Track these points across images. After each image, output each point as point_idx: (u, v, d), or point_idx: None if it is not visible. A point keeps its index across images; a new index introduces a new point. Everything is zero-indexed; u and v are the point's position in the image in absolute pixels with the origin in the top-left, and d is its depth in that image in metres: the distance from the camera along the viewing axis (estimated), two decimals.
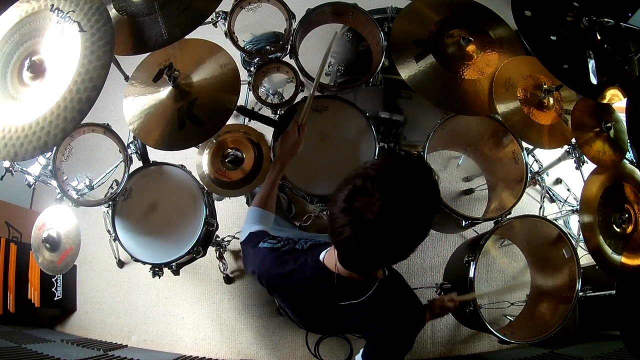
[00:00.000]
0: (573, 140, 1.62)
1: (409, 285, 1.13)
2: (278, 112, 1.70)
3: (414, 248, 0.82)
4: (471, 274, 1.53)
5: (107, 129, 1.61)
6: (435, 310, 1.30)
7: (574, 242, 1.64)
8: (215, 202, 1.78)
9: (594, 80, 1.43)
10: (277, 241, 1.04)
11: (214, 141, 1.64)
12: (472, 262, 1.54)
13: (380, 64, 1.62)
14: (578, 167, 1.78)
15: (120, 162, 1.66)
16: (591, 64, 1.44)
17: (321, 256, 1.00)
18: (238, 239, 2.13)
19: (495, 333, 1.51)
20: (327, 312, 1.02)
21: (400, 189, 0.76)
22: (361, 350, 1.04)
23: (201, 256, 1.71)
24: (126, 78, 1.76)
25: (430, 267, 2.23)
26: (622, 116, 1.51)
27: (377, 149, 1.59)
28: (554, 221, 1.61)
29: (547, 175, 2.31)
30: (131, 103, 1.47)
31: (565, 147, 1.78)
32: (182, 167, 1.67)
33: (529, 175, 1.67)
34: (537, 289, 1.84)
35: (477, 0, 1.71)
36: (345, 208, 0.77)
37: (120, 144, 1.62)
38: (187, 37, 1.36)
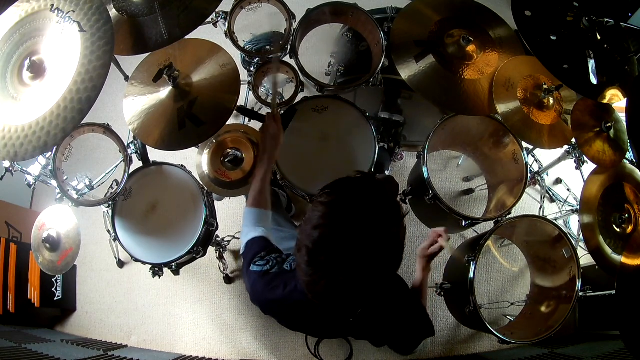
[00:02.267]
0: (573, 140, 1.62)
1: (407, 284, 1.14)
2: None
3: (397, 267, 0.79)
4: (471, 274, 1.53)
5: (107, 129, 1.61)
6: (426, 258, 1.28)
7: (574, 242, 1.64)
8: (215, 202, 1.78)
9: (594, 80, 1.43)
10: (265, 262, 1.02)
11: (214, 141, 1.64)
12: (472, 262, 1.54)
13: (380, 64, 1.62)
14: (578, 167, 1.78)
15: (120, 162, 1.66)
16: (591, 64, 1.44)
17: None
18: (238, 239, 2.14)
19: (495, 333, 1.51)
20: (324, 327, 1.04)
21: (357, 238, 0.72)
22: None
23: (201, 256, 1.71)
24: (126, 78, 1.76)
25: (430, 267, 2.22)
26: (622, 116, 1.51)
27: (377, 149, 1.59)
28: (554, 221, 1.61)
29: (547, 175, 2.31)
30: (131, 103, 1.47)
31: (565, 147, 1.78)
32: (182, 167, 1.67)
33: (529, 175, 1.66)
34: (537, 289, 1.84)
35: (477, 0, 1.71)
36: (312, 273, 0.75)
37: (120, 144, 1.62)
38: (187, 37, 1.36)
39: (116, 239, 1.61)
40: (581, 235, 1.58)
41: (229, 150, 1.64)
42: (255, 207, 1.18)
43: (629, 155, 1.67)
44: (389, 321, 1.04)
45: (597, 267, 1.56)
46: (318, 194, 0.79)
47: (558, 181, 2.41)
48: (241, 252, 1.12)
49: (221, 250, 2.02)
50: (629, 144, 1.60)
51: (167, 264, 1.61)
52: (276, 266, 1.01)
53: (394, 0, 1.82)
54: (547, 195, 2.27)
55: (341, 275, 0.73)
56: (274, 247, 1.08)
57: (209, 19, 1.47)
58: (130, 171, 1.62)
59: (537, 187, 2.23)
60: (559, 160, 1.92)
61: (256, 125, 1.60)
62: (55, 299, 2.14)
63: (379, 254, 0.74)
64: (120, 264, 2.27)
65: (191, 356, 2.09)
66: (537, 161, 2.16)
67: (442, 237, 1.22)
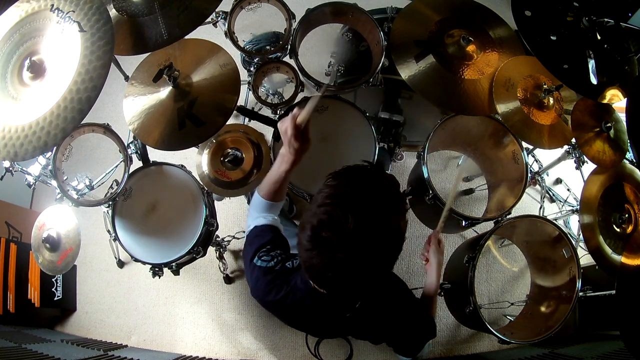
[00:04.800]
0: (573, 140, 1.62)
1: (404, 282, 1.14)
2: (278, 112, 1.70)
3: (395, 258, 0.81)
4: (471, 274, 1.53)
5: (107, 129, 1.61)
6: (440, 259, 1.31)
7: (574, 242, 1.64)
8: (215, 202, 1.78)
9: (594, 80, 1.43)
10: (270, 258, 1.02)
11: (214, 141, 1.64)
12: (472, 262, 1.54)
13: (380, 64, 1.62)
14: (578, 167, 1.78)
15: (120, 162, 1.66)
16: (591, 64, 1.44)
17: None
18: (238, 238, 2.13)
19: (495, 333, 1.51)
20: (324, 324, 1.05)
21: (360, 220, 0.74)
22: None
23: (201, 256, 1.71)
24: (126, 78, 1.76)
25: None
26: (622, 116, 1.51)
27: (377, 149, 1.59)
28: (554, 221, 1.61)
29: (547, 175, 2.31)
30: (131, 103, 1.47)
31: (565, 147, 1.78)
32: (182, 167, 1.67)
33: (529, 175, 1.66)
34: (537, 289, 1.84)
35: (477, 0, 1.71)
36: (312, 248, 0.76)
37: (120, 144, 1.62)
38: (187, 37, 1.36)
39: (116, 239, 1.61)
40: (581, 235, 1.58)
41: (229, 150, 1.64)
42: (269, 200, 1.11)
43: (629, 155, 1.66)
44: (388, 320, 1.04)
45: (597, 267, 1.55)
46: (326, 178, 0.82)
47: (558, 181, 2.40)
48: (246, 234, 1.10)
49: (221, 250, 2.02)
50: (629, 144, 1.60)
51: (167, 264, 1.61)
52: (280, 263, 1.01)
53: (394, 0, 1.82)
54: (547, 195, 2.27)
55: (340, 253, 0.74)
56: (281, 239, 1.08)
57: (208, 19, 1.48)
58: (130, 171, 1.62)
59: (537, 187, 2.23)
60: (559, 160, 1.92)
61: (256, 125, 1.60)
62: (55, 299, 2.14)
63: (379, 239, 0.76)
64: (120, 264, 2.27)
65: (191, 356, 2.09)
66: (537, 161, 2.15)
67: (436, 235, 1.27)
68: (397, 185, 0.83)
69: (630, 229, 1.61)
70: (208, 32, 1.54)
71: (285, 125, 0.97)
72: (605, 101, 1.47)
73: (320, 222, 0.75)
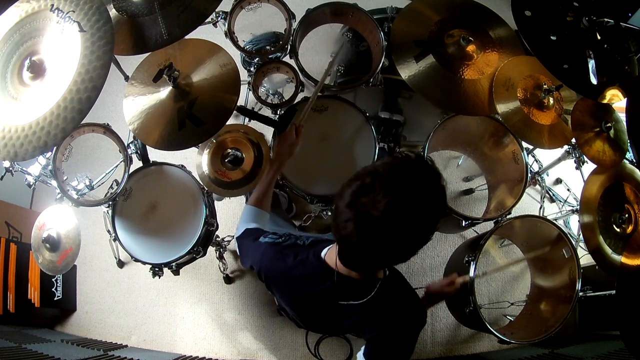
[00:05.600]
0: (573, 140, 1.62)
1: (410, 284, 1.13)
2: (278, 112, 1.70)
3: (415, 251, 0.81)
4: (471, 274, 1.53)
5: (107, 129, 1.61)
6: (434, 298, 1.30)
7: (574, 242, 1.64)
8: (215, 202, 1.78)
9: (594, 80, 1.43)
10: (278, 236, 1.04)
11: (214, 141, 1.64)
12: (472, 262, 1.54)
13: (380, 64, 1.62)
14: (578, 167, 1.78)
15: (120, 162, 1.66)
16: (591, 64, 1.44)
17: (323, 253, 1.00)
18: None
19: (495, 333, 1.51)
20: (326, 310, 1.02)
21: (406, 190, 0.76)
22: (362, 348, 1.04)
23: (201, 256, 1.71)
24: (126, 78, 1.76)
25: (430, 267, 2.23)
26: (622, 116, 1.51)
27: (377, 149, 1.59)
28: (554, 221, 1.61)
29: (547, 175, 2.31)
30: (131, 103, 1.47)
31: (565, 147, 1.78)
32: (182, 167, 1.67)
33: (529, 175, 1.67)
34: (537, 289, 1.84)
35: (477, 0, 1.71)
36: (350, 203, 0.77)
37: (120, 144, 1.62)
38: (187, 37, 1.36)
39: (116, 239, 1.61)
40: (581, 235, 1.59)
41: (229, 150, 1.64)
42: (256, 207, 1.22)
43: (629, 155, 1.66)
44: (386, 311, 1.00)
45: (597, 267, 1.55)
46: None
47: (558, 181, 2.40)
48: (236, 236, 1.15)
49: (221, 250, 2.02)
50: (629, 144, 1.60)
51: (167, 264, 1.61)
52: (289, 240, 1.02)
53: (394, 0, 1.82)
54: (547, 195, 2.27)
55: (379, 216, 0.74)
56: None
57: (208, 19, 1.47)
58: (130, 171, 1.62)
59: (537, 187, 2.23)
60: (559, 160, 1.92)
61: (256, 125, 1.60)
62: (55, 299, 2.14)
63: (415, 220, 0.77)
64: (120, 264, 2.27)
65: (191, 356, 2.09)
66: (537, 161, 2.15)
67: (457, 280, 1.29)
68: (444, 189, 0.83)
69: (630, 229, 1.61)
70: (208, 32, 1.54)
71: (292, 138, 1.09)
72: (605, 101, 1.47)
73: (360, 188, 0.76)
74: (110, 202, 1.60)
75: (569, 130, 1.58)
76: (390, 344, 0.97)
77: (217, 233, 1.81)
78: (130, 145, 1.76)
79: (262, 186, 1.26)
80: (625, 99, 1.45)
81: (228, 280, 2.21)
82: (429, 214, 0.78)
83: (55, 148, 1.51)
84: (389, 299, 0.98)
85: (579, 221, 1.62)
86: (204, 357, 2.09)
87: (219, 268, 2.13)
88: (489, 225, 1.66)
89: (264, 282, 1.08)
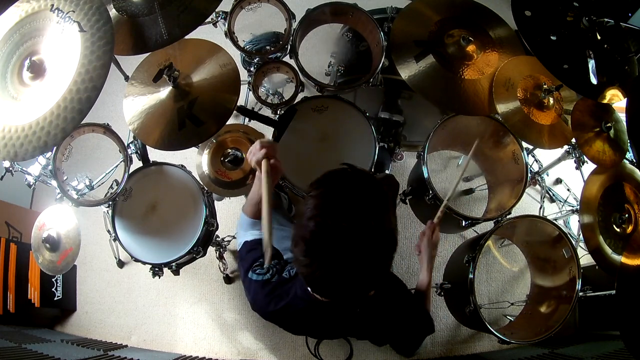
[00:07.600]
0: (573, 140, 1.62)
1: (405, 284, 1.14)
2: (278, 112, 1.70)
3: (393, 252, 0.80)
4: (471, 274, 1.53)
5: (107, 129, 1.61)
6: (429, 253, 1.30)
7: (574, 242, 1.64)
8: (215, 202, 1.78)
9: (594, 80, 1.43)
10: (265, 270, 1.02)
11: (214, 141, 1.64)
12: (472, 262, 1.54)
13: (380, 64, 1.62)
14: (578, 167, 1.78)
15: (120, 162, 1.66)
16: (591, 64, 1.44)
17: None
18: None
19: (495, 333, 1.51)
20: (327, 329, 1.06)
21: (352, 225, 0.74)
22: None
23: (201, 256, 1.71)
24: (126, 78, 1.76)
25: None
26: (622, 116, 1.51)
27: (377, 149, 1.59)
28: (554, 221, 1.61)
29: (547, 175, 2.31)
30: (131, 103, 1.47)
31: (565, 147, 1.78)
32: (182, 167, 1.67)
33: (529, 175, 1.66)
34: (537, 289, 1.84)
35: (477, 0, 1.71)
36: (310, 263, 0.76)
37: (120, 144, 1.62)
38: (187, 37, 1.36)
39: (116, 239, 1.61)
40: (581, 235, 1.58)
41: (229, 150, 1.64)
42: (253, 218, 1.18)
43: (629, 155, 1.66)
44: (389, 320, 1.04)
45: (597, 267, 1.55)
46: (308, 189, 0.82)
47: (558, 181, 2.40)
48: (238, 251, 1.13)
49: (221, 250, 2.02)
50: (629, 144, 1.60)
51: (167, 264, 1.61)
52: (276, 275, 1.01)
53: (394, 0, 1.82)
54: (547, 195, 2.27)
55: (340, 261, 0.74)
56: (273, 250, 1.08)
57: (208, 19, 1.47)
58: (130, 171, 1.62)
59: (537, 187, 2.23)
60: (559, 160, 1.92)
61: (256, 125, 1.60)
62: (55, 299, 2.14)
63: (374, 238, 0.75)
64: (120, 264, 2.27)
65: (191, 356, 2.09)
66: (537, 161, 2.15)
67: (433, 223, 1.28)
68: (395, 189, 0.83)
69: (630, 229, 1.61)
70: (208, 32, 1.54)
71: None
72: (605, 101, 1.47)
73: (312, 234, 0.74)
74: (110, 202, 1.60)
75: (569, 130, 1.58)
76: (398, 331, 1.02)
77: (217, 233, 1.81)
78: (130, 145, 1.76)
79: (254, 196, 1.17)
80: (625, 99, 1.45)
81: (228, 280, 2.21)
82: (369, 267, 0.76)
83: (55, 148, 1.51)
84: (384, 303, 1.01)
85: (579, 221, 1.62)
86: (204, 357, 2.09)
87: (219, 268, 2.13)
88: (489, 225, 1.66)
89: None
